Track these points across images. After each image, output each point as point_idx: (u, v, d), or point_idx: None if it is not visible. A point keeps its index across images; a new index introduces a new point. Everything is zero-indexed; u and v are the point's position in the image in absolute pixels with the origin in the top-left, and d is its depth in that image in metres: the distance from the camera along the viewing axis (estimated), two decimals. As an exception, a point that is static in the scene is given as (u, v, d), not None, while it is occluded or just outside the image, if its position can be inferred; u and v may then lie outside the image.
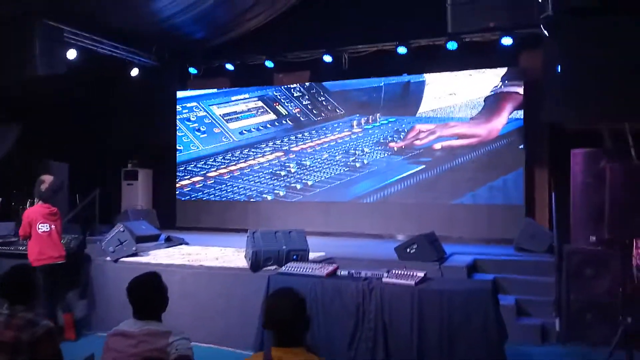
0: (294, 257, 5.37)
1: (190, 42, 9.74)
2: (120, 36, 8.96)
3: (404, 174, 8.80)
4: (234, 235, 8.84)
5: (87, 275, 6.06)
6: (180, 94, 10.47)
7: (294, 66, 9.63)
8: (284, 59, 9.52)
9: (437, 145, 8.68)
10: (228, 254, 6.51)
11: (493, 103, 8.40)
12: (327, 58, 9.15)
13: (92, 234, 7.86)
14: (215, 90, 10.31)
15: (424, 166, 8.71)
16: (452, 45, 8.24)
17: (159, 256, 6.39)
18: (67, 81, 8.11)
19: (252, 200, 9.78)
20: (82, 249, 6.12)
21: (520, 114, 8.20)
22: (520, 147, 8.18)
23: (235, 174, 9.93)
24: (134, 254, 6.17)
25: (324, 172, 9.32)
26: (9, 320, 2.60)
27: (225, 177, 10.00)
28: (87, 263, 6.10)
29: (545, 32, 7.13)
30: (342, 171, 9.21)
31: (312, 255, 5.76)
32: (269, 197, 9.63)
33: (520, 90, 8.25)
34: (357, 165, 9.11)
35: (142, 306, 2.53)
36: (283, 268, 5.03)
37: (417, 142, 8.80)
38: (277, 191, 9.60)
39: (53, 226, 5.18)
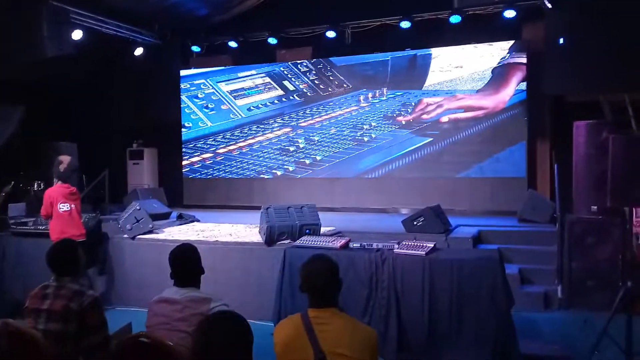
0: (307, 231, 5.55)
1: (192, 20, 9.75)
2: (123, 15, 8.97)
3: (410, 148, 8.92)
4: (241, 212, 9.04)
5: (105, 252, 6.25)
6: (186, 71, 10.50)
7: (297, 42, 9.65)
8: (287, 35, 9.55)
9: (444, 118, 8.76)
10: (240, 230, 6.69)
11: (500, 74, 8.45)
12: (330, 34, 9.19)
13: (102, 213, 8.03)
14: (222, 67, 10.35)
15: (431, 139, 8.81)
16: (455, 19, 8.27)
17: (174, 233, 6.58)
18: (72, 61, 8.15)
19: (261, 176, 9.92)
20: (99, 227, 6.30)
21: (524, 85, 8.28)
22: (525, 119, 8.27)
23: (244, 150, 10.06)
24: (150, 231, 6.35)
25: (332, 147, 9.45)
26: (58, 291, 2.79)
27: (235, 154, 10.13)
28: (105, 241, 6.28)
29: (548, 5, 7.20)
30: (350, 145, 9.33)
31: (322, 229, 5.94)
32: (279, 173, 9.76)
33: (526, 61, 8.30)
34: (365, 139, 9.24)
35: (184, 274, 2.73)
36: (297, 242, 5.21)
37: (425, 116, 8.90)
38: (287, 166, 9.74)
39: (73, 205, 5.33)
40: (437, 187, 8.62)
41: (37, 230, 6.29)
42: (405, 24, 8.63)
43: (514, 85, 8.35)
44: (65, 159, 5.46)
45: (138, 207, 6.20)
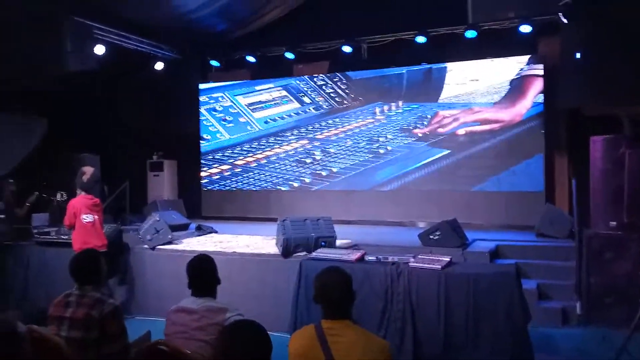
0: (322, 243, 5.60)
1: (211, 35, 9.94)
2: (144, 31, 9.20)
3: (427, 160, 8.92)
4: (258, 224, 9.12)
5: (126, 262, 6.37)
6: (205, 85, 10.68)
7: (314, 57, 9.78)
8: (304, 50, 9.68)
9: (461, 131, 8.76)
10: (258, 242, 6.76)
11: (517, 86, 8.42)
12: (347, 48, 9.29)
13: (123, 224, 8.18)
14: (239, 81, 10.51)
15: (448, 151, 8.80)
16: (471, 34, 8.30)
17: (192, 244, 6.67)
18: (94, 75, 8.37)
19: (278, 187, 10.01)
20: (120, 238, 6.43)
21: (541, 98, 8.25)
22: (542, 132, 8.22)
23: (262, 162, 10.17)
24: (169, 242, 6.45)
25: (348, 159, 9.50)
26: (80, 299, 2.88)
27: (252, 166, 10.25)
28: (126, 251, 6.41)
29: (564, 19, 7.21)
30: (366, 158, 9.38)
31: (338, 242, 5.98)
32: (296, 184, 9.84)
33: (543, 73, 8.28)
34: (381, 151, 9.27)
35: (201, 284, 2.80)
36: (313, 254, 5.26)
37: (441, 129, 8.90)
38: (303, 178, 9.82)
39: (96, 216, 5.45)
40: (453, 200, 8.59)
41: (60, 240, 6.44)
42: (420, 39, 8.69)
43: (531, 98, 8.33)
44: (88, 170, 5.59)
45: (158, 218, 6.32)
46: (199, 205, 10.59)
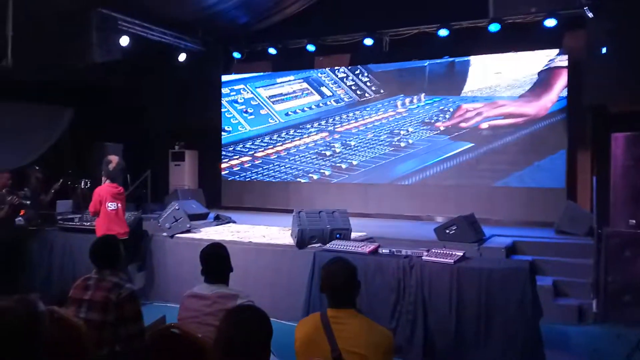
0: (337, 235, 5.65)
1: (233, 27, 10.03)
2: (168, 22, 9.33)
3: (447, 155, 8.88)
4: (276, 215, 9.21)
5: (146, 249, 6.53)
6: (227, 77, 10.80)
7: (335, 49, 9.80)
8: (324, 42, 9.71)
9: (484, 125, 8.68)
10: (274, 232, 6.85)
11: (544, 79, 8.28)
12: (368, 41, 9.27)
13: (144, 212, 8.35)
14: (261, 73, 10.59)
15: (472, 144, 8.72)
16: (494, 27, 8.20)
17: (210, 233, 6.81)
18: (119, 66, 8.54)
19: (298, 179, 10.09)
20: (140, 226, 6.59)
21: (565, 93, 8.12)
22: (565, 127, 8.11)
23: (282, 154, 10.26)
24: (188, 231, 6.59)
25: (368, 152, 9.52)
26: (99, 283, 3.00)
27: (273, 157, 10.35)
28: (146, 238, 6.57)
29: (590, 14, 7.09)
30: (387, 151, 9.37)
31: (353, 234, 6.03)
32: (315, 177, 9.89)
33: (567, 65, 8.19)
34: (402, 145, 9.25)
35: (214, 271, 2.89)
36: (327, 245, 5.33)
37: (463, 124, 8.83)
38: (323, 170, 9.87)
39: (119, 204, 5.60)
40: (473, 196, 8.55)
41: (83, 227, 6.64)
42: (443, 32, 8.62)
43: (557, 92, 8.20)
44: (114, 159, 5.73)
45: (177, 207, 6.46)
46: (219, 195, 10.75)
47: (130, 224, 6.07)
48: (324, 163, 9.88)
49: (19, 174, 7.20)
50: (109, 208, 5.54)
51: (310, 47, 9.76)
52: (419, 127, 9.15)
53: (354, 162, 9.60)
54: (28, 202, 6.71)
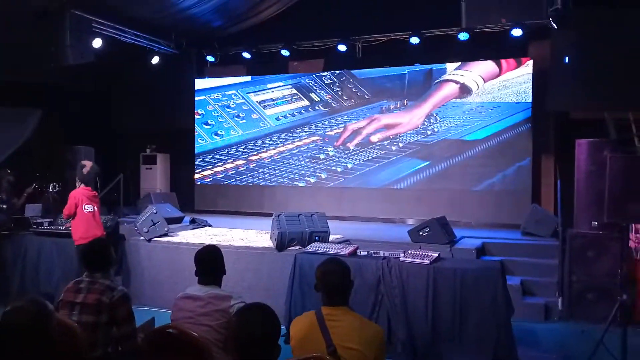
0: (316, 238, 5.76)
1: (207, 30, 10.03)
2: (142, 25, 9.27)
3: (415, 168, 9.19)
4: (250, 218, 9.28)
5: (122, 253, 6.49)
6: (220, 81, 10.73)
7: (309, 54, 9.92)
8: (299, 47, 9.83)
9: (374, 138, 9.38)
10: (252, 236, 6.91)
11: (430, 91, 9.05)
12: (342, 47, 9.45)
13: (117, 216, 8.27)
14: (249, 78, 10.59)
15: (427, 162, 9.12)
16: (463, 36, 8.49)
17: (188, 237, 6.81)
18: (89, 68, 8.42)
19: (274, 184, 10.13)
20: (117, 229, 6.55)
21: (529, 101, 8.46)
22: (530, 135, 8.44)
23: (276, 158, 10.21)
24: (165, 234, 6.59)
25: (361, 156, 9.63)
26: (91, 286, 3.03)
27: (267, 161, 10.29)
28: (122, 242, 6.53)
29: (554, 25, 7.43)
30: (379, 154, 9.48)
31: (331, 237, 6.15)
32: (312, 180, 9.86)
33: (460, 79, 8.85)
34: (393, 148, 9.38)
35: (207, 272, 2.97)
36: (307, 248, 5.44)
37: (354, 142, 9.51)
38: (319, 174, 9.84)
39: (95, 207, 5.61)
40: (443, 199, 8.80)
41: (58, 231, 6.55)
42: (414, 40, 8.87)
43: (432, 104, 9.02)
44: (88, 164, 5.75)
45: (155, 211, 6.46)
46: (192, 199, 10.71)
47: (108, 227, 6.05)
48: (318, 167, 9.85)
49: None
50: (86, 210, 5.55)
51: (285, 52, 9.86)
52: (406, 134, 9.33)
53: (349, 166, 9.66)
54: (4, 206, 6.59)
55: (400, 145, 9.30)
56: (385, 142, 9.39)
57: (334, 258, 2.66)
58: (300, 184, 9.94)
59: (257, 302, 1.94)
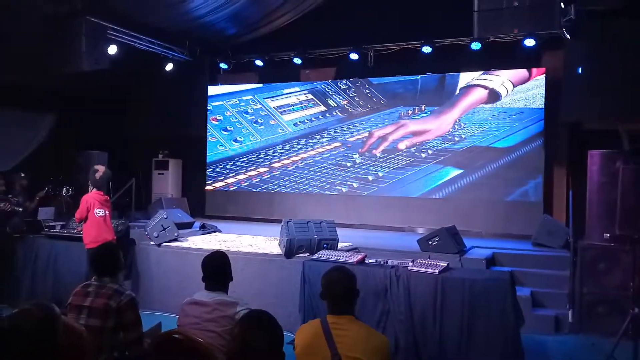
0: (325, 245, 5.76)
1: (221, 38, 10.14)
2: (156, 32, 9.39)
3: (439, 182, 9.10)
4: (260, 225, 9.30)
5: (132, 257, 6.54)
6: (233, 88, 10.79)
7: (321, 63, 9.98)
8: (311, 55, 9.88)
9: (402, 145, 9.29)
10: (260, 242, 6.93)
11: (457, 97, 8.95)
12: (354, 56, 9.48)
13: (128, 220, 8.34)
14: (261, 85, 10.62)
15: (461, 171, 8.98)
16: (476, 46, 8.48)
17: (197, 242, 6.85)
18: (104, 74, 8.54)
19: (282, 190, 10.13)
20: (128, 234, 6.61)
21: (541, 112, 8.39)
22: (543, 148, 8.37)
23: (300, 165, 10.15)
24: (175, 239, 6.63)
25: (389, 163, 9.54)
26: (99, 289, 3.06)
27: (291, 168, 10.23)
28: (132, 246, 6.59)
29: (567, 35, 7.41)
30: (407, 161, 9.39)
31: (340, 244, 6.15)
32: (344, 189, 9.74)
33: (489, 84, 8.75)
34: (423, 155, 9.31)
35: (214, 279, 2.98)
36: (315, 255, 5.44)
37: (380, 148, 9.40)
38: (350, 183, 9.71)
39: (107, 212, 5.66)
40: (453, 209, 8.75)
41: (70, 234, 6.62)
42: (426, 49, 8.87)
43: (462, 109, 8.90)
44: (100, 168, 5.81)
45: (165, 216, 6.51)
46: (202, 205, 10.77)
47: (119, 232, 6.10)
48: (346, 174, 9.77)
49: (4, 180, 7.15)
50: (97, 214, 5.60)
51: (297, 60, 9.92)
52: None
53: (380, 174, 9.52)
54: (20, 209, 6.68)
55: (430, 152, 9.22)
56: (413, 149, 9.27)
57: (340, 266, 2.66)
58: (331, 193, 9.81)
59: (258, 310, 1.94)
